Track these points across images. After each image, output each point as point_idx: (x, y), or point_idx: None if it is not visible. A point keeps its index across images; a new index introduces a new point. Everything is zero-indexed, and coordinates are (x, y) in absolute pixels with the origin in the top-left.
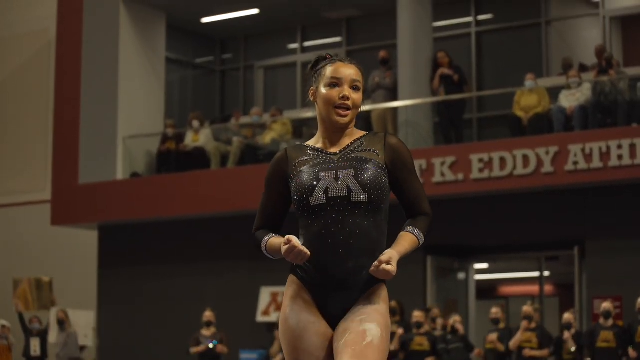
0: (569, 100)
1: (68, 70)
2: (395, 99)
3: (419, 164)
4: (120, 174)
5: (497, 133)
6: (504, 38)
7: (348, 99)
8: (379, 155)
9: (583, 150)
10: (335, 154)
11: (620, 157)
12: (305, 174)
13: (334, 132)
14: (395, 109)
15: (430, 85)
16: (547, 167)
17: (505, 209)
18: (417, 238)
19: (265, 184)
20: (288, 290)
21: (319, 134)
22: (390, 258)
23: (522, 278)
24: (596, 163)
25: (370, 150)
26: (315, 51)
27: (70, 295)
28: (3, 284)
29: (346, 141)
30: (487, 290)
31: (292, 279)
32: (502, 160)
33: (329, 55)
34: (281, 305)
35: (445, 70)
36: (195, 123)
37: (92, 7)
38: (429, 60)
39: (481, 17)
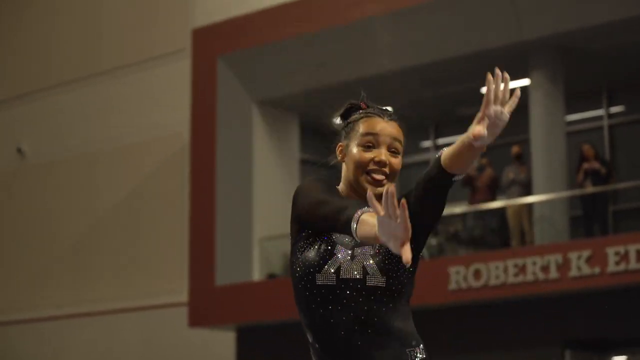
0: None
1: (203, 173)
2: (529, 194)
3: (555, 258)
4: (257, 275)
5: (633, 225)
6: (637, 129)
7: (385, 164)
8: None
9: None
10: None
11: None
12: (323, 242)
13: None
14: (530, 205)
15: (565, 179)
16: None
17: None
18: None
19: (312, 187)
20: None
21: (344, 189)
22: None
23: None
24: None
25: None
26: None
27: None
28: None
29: None
30: None
31: None
32: (639, 253)
33: (364, 105)
34: None
35: (592, 165)
36: None
37: (225, 110)
38: (562, 154)
39: (613, 110)
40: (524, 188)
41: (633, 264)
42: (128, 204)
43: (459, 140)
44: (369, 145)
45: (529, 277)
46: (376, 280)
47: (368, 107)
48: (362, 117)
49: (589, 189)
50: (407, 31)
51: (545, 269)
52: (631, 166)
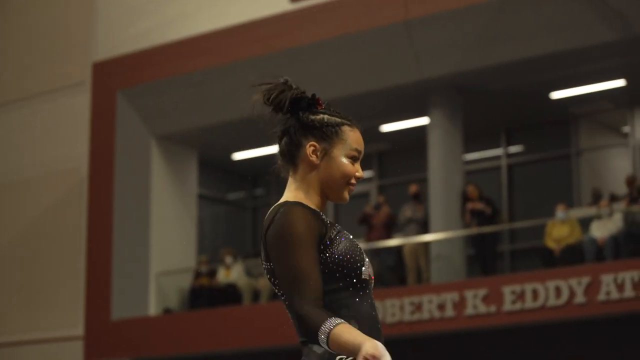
0: (600, 231)
1: (100, 207)
2: (426, 232)
3: (451, 297)
4: (153, 310)
5: (529, 265)
6: (535, 169)
7: (359, 179)
8: None
9: (615, 280)
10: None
11: None
12: (351, 240)
13: (324, 204)
14: (427, 243)
15: (461, 219)
16: (580, 298)
17: (538, 340)
18: None
19: (298, 241)
20: None
21: (312, 199)
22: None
23: None
24: (628, 292)
25: None
26: None
27: None
28: None
29: None
30: None
31: None
32: (535, 292)
33: (321, 102)
34: None
35: (475, 205)
36: (228, 259)
37: (123, 144)
38: (459, 193)
39: (512, 149)
40: (421, 226)
41: (529, 303)
42: (25, 238)
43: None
44: (355, 158)
45: (425, 314)
46: (373, 276)
47: (324, 106)
48: (347, 125)
49: (486, 228)
50: (308, 68)
51: (441, 307)
52: (528, 205)
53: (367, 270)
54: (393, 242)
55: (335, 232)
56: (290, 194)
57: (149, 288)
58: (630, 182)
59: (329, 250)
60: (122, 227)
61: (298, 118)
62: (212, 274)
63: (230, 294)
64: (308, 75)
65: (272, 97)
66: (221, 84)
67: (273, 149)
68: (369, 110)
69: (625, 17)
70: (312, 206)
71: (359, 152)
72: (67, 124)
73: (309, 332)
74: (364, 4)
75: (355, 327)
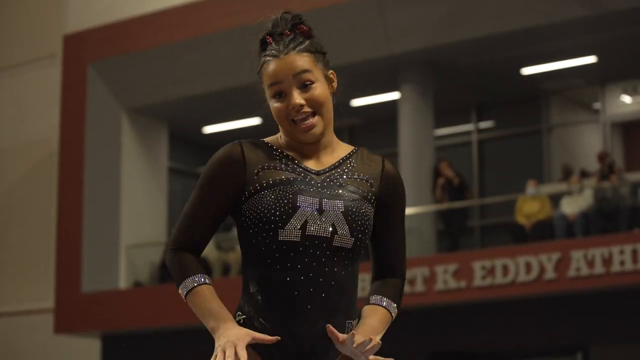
0: (570, 207)
1: (70, 180)
2: None
3: (422, 271)
4: (123, 283)
5: (499, 240)
6: (505, 145)
7: (302, 106)
8: (372, 187)
9: (585, 256)
10: (317, 173)
11: (622, 262)
12: (277, 192)
13: (308, 144)
14: None
15: (432, 194)
16: (550, 274)
17: (507, 316)
18: (391, 315)
19: (200, 184)
20: None
21: (284, 137)
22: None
23: None
24: (598, 269)
25: (363, 180)
26: None
27: None
28: None
29: (329, 159)
30: None
31: None
32: (505, 268)
33: (270, 39)
34: None
35: (446, 173)
36: None
37: (94, 117)
38: (430, 168)
39: (482, 125)
40: None
41: (499, 278)
42: None
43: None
44: (279, 93)
45: None
46: (344, 240)
47: (273, 39)
48: (263, 64)
49: (457, 203)
50: None
51: (411, 282)
52: (499, 181)
53: (293, 230)
54: None
55: (265, 178)
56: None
57: (119, 261)
58: (602, 158)
59: (248, 201)
60: (93, 200)
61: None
62: None
63: None
64: None
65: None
66: (192, 57)
67: (244, 122)
68: (339, 85)
69: None
70: (285, 143)
71: (275, 83)
72: (38, 96)
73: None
74: None
75: (257, 295)
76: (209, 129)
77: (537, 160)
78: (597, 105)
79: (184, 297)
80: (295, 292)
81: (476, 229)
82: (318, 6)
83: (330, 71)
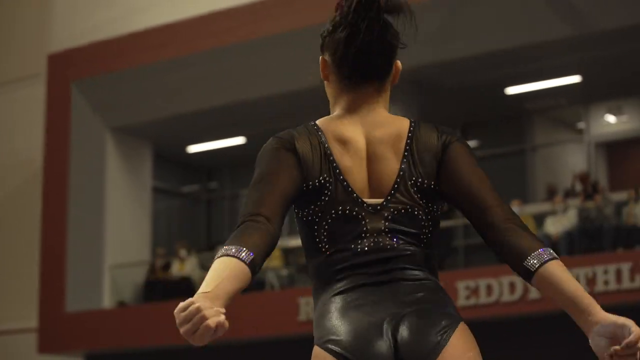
0: (554, 227)
1: (55, 199)
2: None
3: None
4: (107, 303)
5: (483, 260)
6: (489, 165)
7: None
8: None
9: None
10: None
11: (606, 282)
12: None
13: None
14: None
15: None
16: (534, 294)
17: (491, 335)
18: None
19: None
20: None
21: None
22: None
23: None
24: (626, 283)
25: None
26: None
27: None
28: None
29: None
30: None
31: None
32: (489, 288)
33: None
34: None
35: None
36: (182, 252)
37: (78, 136)
38: None
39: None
40: None
41: (483, 298)
42: None
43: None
44: None
45: None
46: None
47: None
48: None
49: (441, 223)
50: (263, 61)
51: None
52: None
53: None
54: None
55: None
56: (387, 114)
57: (103, 281)
58: (583, 178)
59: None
60: (77, 219)
61: (390, 25)
62: (167, 267)
63: (184, 288)
64: (263, 69)
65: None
66: (176, 76)
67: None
68: (323, 104)
69: (580, 13)
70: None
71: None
72: (22, 115)
73: None
74: None
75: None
76: (193, 148)
77: (521, 180)
78: (581, 125)
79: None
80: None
81: (460, 249)
82: (301, 26)
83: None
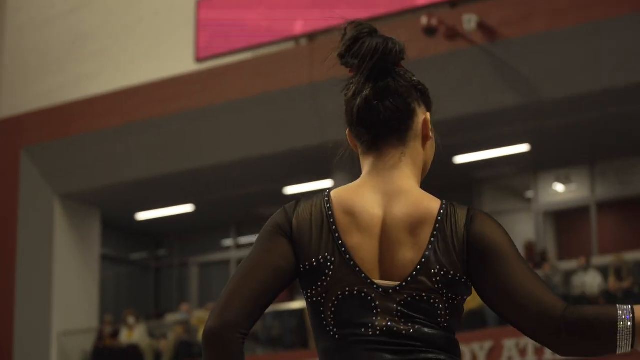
0: None
1: (2, 266)
2: None
3: None
4: None
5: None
6: None
7: None
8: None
9: (517, 344)
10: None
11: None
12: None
13: None
14: None
15: None
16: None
17: None
18: None
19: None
20: None
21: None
22: None
23: None
24: (530, 357)
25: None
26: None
27: None
28: None
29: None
30: None
31: None
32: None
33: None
34: None
35: None
36: (130, 319)
37: (27, 202)
38: None
39: None
40: None
41: None
42: None
43: None
44: None
45: None
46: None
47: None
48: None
49: None
50: (213, 129)
51: None
52: None
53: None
54: (295, 304)
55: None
56: (412, 181)
57: (51, 348)
58: (529, 247)
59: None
60: (25, 286)
61: (399, 74)
62: (115, 334)
63: (132, 355)
64: (212, 137)
65: (357, 44)
66: (124, 143)
67: (177, 209)
68: (273, 173)
69: (529, 82)
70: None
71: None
72: None
73: None
74: (269, 65)
75: None
76: (141, 216)
77: None
78: (529, 194)
79: None
80: None
81: None
82: (250, 94)
83: None
